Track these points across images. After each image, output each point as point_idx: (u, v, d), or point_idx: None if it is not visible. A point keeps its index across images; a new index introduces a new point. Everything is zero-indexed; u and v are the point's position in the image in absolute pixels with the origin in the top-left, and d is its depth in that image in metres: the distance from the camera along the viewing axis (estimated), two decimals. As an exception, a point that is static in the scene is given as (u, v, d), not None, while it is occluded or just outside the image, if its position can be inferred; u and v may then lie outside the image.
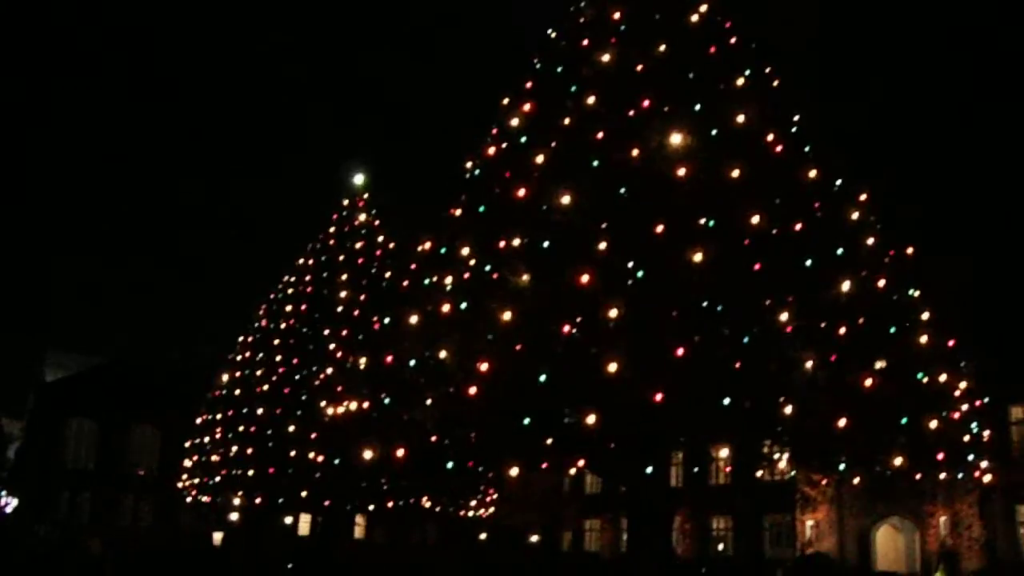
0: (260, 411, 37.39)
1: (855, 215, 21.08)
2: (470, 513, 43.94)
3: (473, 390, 18.57)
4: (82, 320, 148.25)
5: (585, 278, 18.29)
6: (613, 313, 17.96)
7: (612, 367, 17.46)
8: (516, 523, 50.86)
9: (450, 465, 19.43)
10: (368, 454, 20.05)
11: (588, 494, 58.75)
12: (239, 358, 40.62)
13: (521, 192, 20.49)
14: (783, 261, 18.94)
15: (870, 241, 20.72)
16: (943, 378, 19.85)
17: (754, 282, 18.51)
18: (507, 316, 18.82)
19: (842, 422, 17.67)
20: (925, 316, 21.17)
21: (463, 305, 19.96)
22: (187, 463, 42.23)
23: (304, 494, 36.16)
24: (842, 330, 18.65)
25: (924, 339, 19.96)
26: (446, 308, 20.39)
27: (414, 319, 21.41)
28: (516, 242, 19.75)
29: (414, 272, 22.99)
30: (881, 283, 20.36)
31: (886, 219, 22.38)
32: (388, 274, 36.27)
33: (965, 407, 21.02)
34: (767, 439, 18.51)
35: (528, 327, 18.76)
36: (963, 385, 21.02)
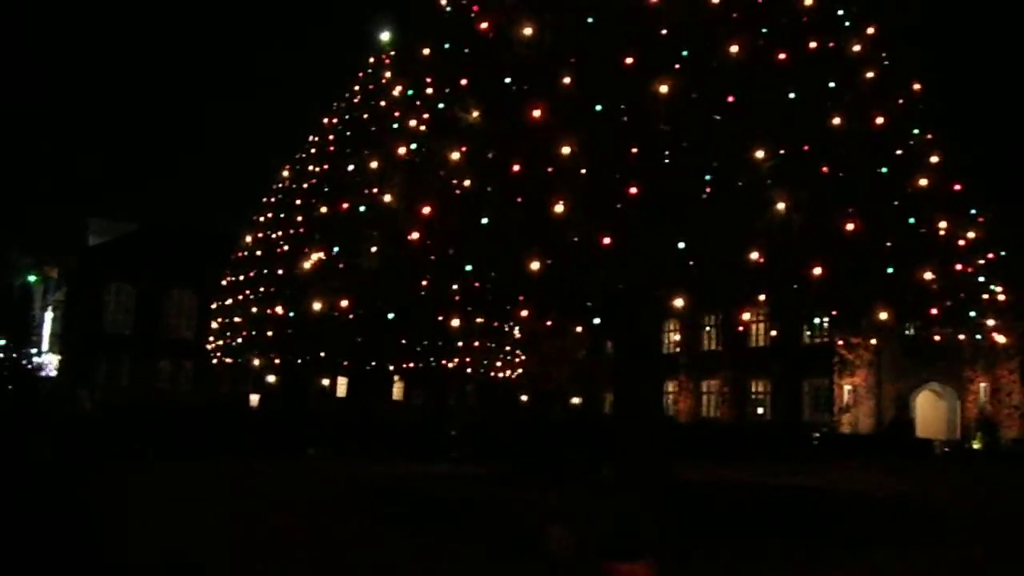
0: (280, 271, 35.77)
1: (857, 48, 18.13)
2: (502, 375, 42.27)
3: (415, 235, 16.60)
4: (123, 189, 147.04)
5: (537, 113, 15.99)
6: (566, 150, 15.67)
7: (559, 208, 15.28)
8: (555, 385, 49.20)
9: (391, 316, 17.46)
10: (317, 306, 18.36)
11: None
12: (262, 219, 38.90)
13: (484, 25, 18.09)
14: (763, 93, 16.31)
15: (870, 75, 17.78)
16: (943, 226, 17.09)
17: (726, 115, 15.98)
18: (455, 156, 16.72)
19: (817, 270, 15.21)
20: (934, 159, 18.32)
21: (413, 146, 17.87)
22: (214, 325, 41.12)
23: (322, 355, 34.85)
24: (824, 168, 16.00)
25: (923, 182, 17.14)
26: (402, 151, 18.38)
27: (374, 164, 19.55)
28: (472, 79, 17.50)
29: (384, 116, 20.89)
30: (879, 120, 17.48)
31: (899, 55, 19.29)
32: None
33: (977, 260, 18.29)
34: (730, 289, 16.07)
35: (476, 167, 16.65)
36: (971, 235, 18.23)
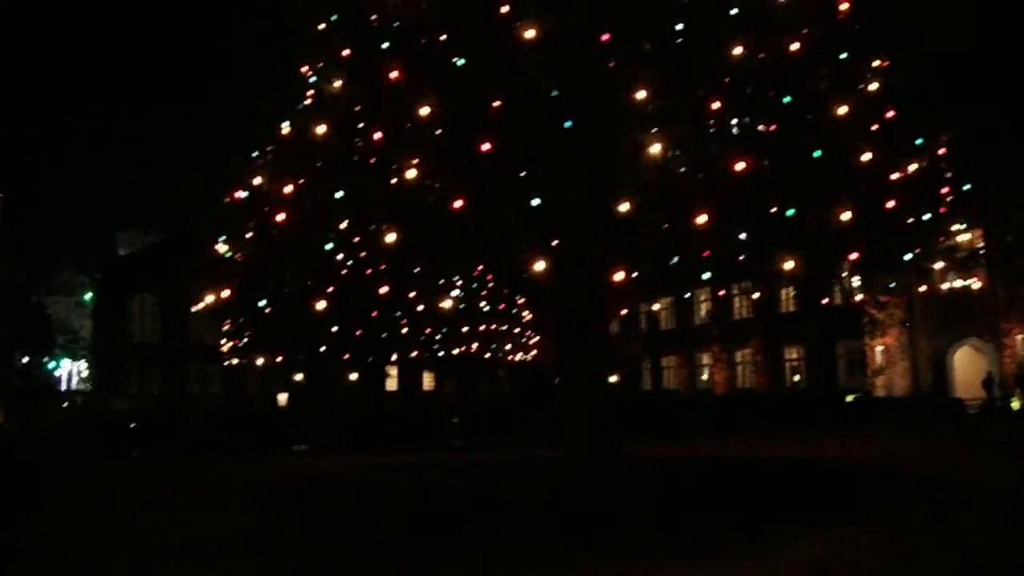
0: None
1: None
2: (517, 358, 40.22)
3: (280, 216, 14.90)
4: (147, 200, 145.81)
5: (395, 74, 14.13)
6: (424, 111, 13.70)
7: (410, 173, 13.36)
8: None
9: (262, 304, 15.80)
10: (209, 298, 16.84)
11: (664, 330, 54.47)
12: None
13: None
14: (644, 28, 14.12)
15: (782, -1, 15.29)
16: (866, 157, 14.56)
17: (601, 56, 13.84)
18: (320, 130, 14.94)
19: (702, 218, 12.95)
20: (873, 87, 15.83)
21: (285, 125, 16.18)
22: (225, 327, 39.86)
23: (323, 349, 33.30)
24: (715, 105, 13.70)
25: (842, 111, 14.64)
26: (285, 131, 16.68)
27: (269, 148, 17.89)
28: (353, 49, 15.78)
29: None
30: (794, 46, 15.01)
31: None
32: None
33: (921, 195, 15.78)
34: (599, 243, 13.85)
35: (341, 139, 14.85)
36: (912, 168, 15.70)
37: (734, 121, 13.90)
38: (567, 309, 18.01)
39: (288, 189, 14.93)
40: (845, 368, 43.52)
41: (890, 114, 15.70)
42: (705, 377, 51.16)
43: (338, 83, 15.32)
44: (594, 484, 16.18)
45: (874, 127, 15.49)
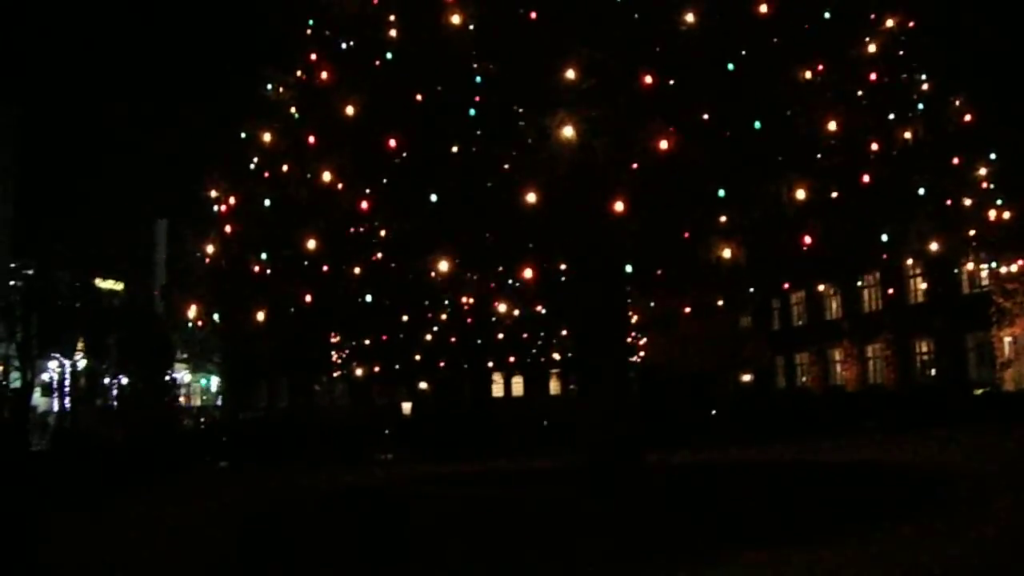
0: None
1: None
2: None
3: (228, 227, 14.36)
4: None
5: (324, 75, 13.42)
6: (349, 111, 12.84)
7: (326, 176, 12.53)
8: (708, 365, 44.23)
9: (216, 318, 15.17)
10: (191, 313, 16.39)
11: (796, 327, 51.02)
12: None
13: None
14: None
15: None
16: (832, 126, 12.51)
17: (528, 33, 12.59)
18: (266, 138, 14.29)
19: (619, 205, 11.42)
20: (871, 48, 13.81)
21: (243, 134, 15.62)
22: (333, 339, 39.93)
23: (417, 357, 32.67)
24: (647, 78, 12.06)
25: (807, 75, 12.67)
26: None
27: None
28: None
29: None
30: (762, 8, 13.09)
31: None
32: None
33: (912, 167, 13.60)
34: (500, 243, 12.40)
35: (282, 146, 14.15)
36: (907, 135, 13.53)
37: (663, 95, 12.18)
38: (580, 310, 16.63)
39: (232, 200, 14.34)
40: (975, 361, 39.32)
41: (872, 76, 13.60)
42: (844, 373, 47.36)
43: (281, 89, 14.69)
44: (611, 491, 14.93)
45: (857, 92, 13.52)
